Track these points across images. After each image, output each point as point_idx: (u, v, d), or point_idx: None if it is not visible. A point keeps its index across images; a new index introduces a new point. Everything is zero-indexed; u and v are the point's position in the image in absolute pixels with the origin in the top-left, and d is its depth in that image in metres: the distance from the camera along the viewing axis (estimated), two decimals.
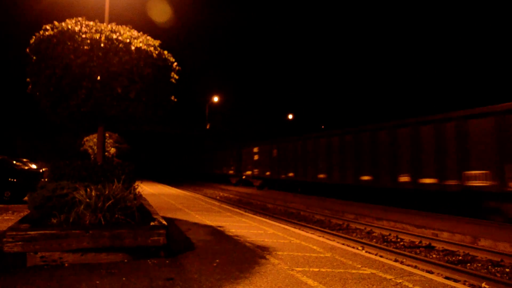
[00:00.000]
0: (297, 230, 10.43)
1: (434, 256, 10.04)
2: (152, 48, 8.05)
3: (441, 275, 7.67)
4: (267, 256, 6.80)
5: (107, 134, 21.55)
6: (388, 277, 5.79)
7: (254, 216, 13.33)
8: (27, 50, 7.97)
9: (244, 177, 36.27)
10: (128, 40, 7.74)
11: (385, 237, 12.25)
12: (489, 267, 8.94)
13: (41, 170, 16.89)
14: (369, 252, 8.60)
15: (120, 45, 7.61)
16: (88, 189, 6.86)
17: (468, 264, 9.17)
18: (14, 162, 17.21)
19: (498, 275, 8.40)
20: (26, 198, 10.73)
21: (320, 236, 10.16)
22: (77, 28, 7.61)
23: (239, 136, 59.42)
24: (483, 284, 7.37)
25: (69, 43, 7.42)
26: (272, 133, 53.43)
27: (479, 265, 9.13)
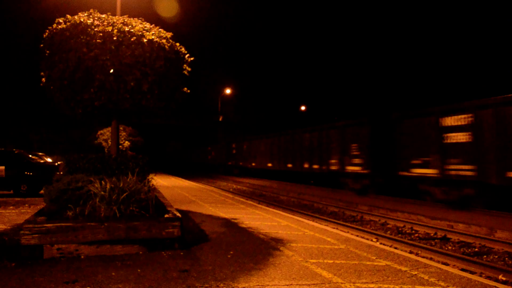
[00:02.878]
0: (310, 222, 10.41)
1: (449, 248, 9.94)
2: (164, 41, 8.04)
3: (457, 267, 7.58)
4: (281, 248, 6.80)
5: (120, 128, 21.69)
6: (403, 269, 5.75)
7: (268, 208, 13.34)
8: (41, 44, 8.02)
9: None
10: (140, 33, 7.73)
11: (400, 229, 12.17)
12: (506, 259, 8.83)
13: (56, 164, 17.08)
14: (384, 244, 8.56)
15: (133, 38, 7.61)
16: (103, 182, 6.91)
17: (485, 256, 9.07)
18: (30, 156, 17.44)
19: None
20: (42, 191, 10.87)
21: (334, 228, 10.12)
22: (89, 21, 7.62)
23: (251, 127, 59.30)
24: (500, 276, 7.26)
25: (81, 37, 7.45)
26: (284, 124, 53.21)
27: (496, 257, 9.01)
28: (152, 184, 7.91)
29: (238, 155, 40.99)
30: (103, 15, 7.96)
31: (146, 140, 31.28)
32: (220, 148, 48.71)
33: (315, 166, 24.56)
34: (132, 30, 7.69)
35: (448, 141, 15.14)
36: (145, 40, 7.68)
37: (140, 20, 8.24)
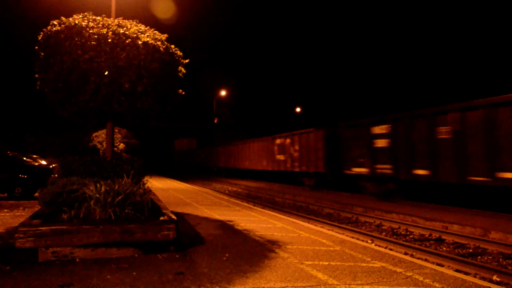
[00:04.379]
0: (306, 224, 10.42)
1: (444, 249, 9.98)
2: (159, 43, 8.04)
3: (452, 268, 7.62)
4: (277, 250, 6.80)
5: (116, 130, 21.66)
6: (398, 270, 5.77)
7: (263, 210, 13.34)
8: (36, 47, 8.00)
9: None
10: (135, 35, 7.74)
11: (395, 230, 12.20)
12: (500, 259, 8.87)
13: (51, 166, 17.01)
14: (379, 245, 8.58)
15: (128, 40, 7.61)
16: (98, 185, 6.89)
17: (479, 257, 9.11)
18: (25, 158, 17.36)
19: (510, 267, 8.32)
20: (36, 194, 10.80)
21: (329, 230, 10.14)
22: (84, 23, 7.62)
23: (247, 129, 59.34)
24: (494, 277, 7.31)
25: (76, 39, 7.44)
26: (279, 126, 53.24)
27: (490, 257, 9.06)
28: (148, 187, 7.89)
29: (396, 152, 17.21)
30: (98, 17, 7.96)
31: (143, 142, 31.20)
32: (321, 138, 22.85)
33: None
34: (127, 32, 7.69)
35: None
36: (140, 42, 7.69)
37: (135, 22, 8.25)
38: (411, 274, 5.58)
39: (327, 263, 6.04)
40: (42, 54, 7.83)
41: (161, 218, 6.81)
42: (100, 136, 24.87)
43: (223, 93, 58.40)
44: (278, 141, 28.52)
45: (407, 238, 11.26)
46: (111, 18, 8.44)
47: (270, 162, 29.77)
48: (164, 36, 8.36)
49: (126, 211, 6.73)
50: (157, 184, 23.92)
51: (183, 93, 9.18)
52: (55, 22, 7.85)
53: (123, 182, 7.12)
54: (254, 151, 33.64)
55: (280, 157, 27.90)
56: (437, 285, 5.11)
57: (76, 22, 7.66)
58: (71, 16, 7.94)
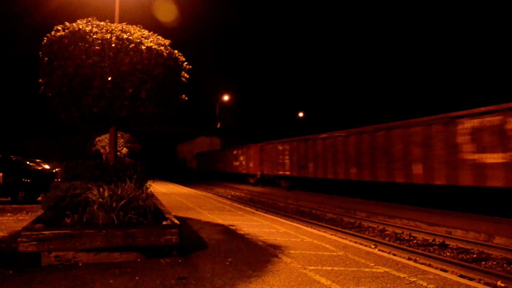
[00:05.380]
0: (309, 229, 10.39)
1: (448, 254, 9.93)
2: (162, 48, 8.07)
3: (456, 273, 7.58)
4: (280, 255, 6.78)
5: (118, 134, 21.67)
6: (402, 275, 5.74)
7: (266, 215, 13.32)
8: (40, 52, 8.03)
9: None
10: (138, 40, 7.76)
11: (398, 235, 12.16)
12: (505, 265, 8.82)
13: (54, 170, 17.04)
14: (382, 251, 8.55)
15: (131, 45, 7.64)
16: (101, 189, 6.90)
17: (483, 262, 9.06)
18: (28, 162, 17.40)
19: None
20: (40, 198, 10.81)
21: (332, 235, 10.11)
22: (88, 29, 7.65)
23: (249, 134, 59.28)
24: (499, 283, 7.26)
25: (80, 44, 7.47)
26: (282, 131, 53.21)
27: (494, 263, 9.01)
28: (150, 191, 7.91)
29: None
30: (102, 23, 7.99)
31: (146, 146, 31.17)
32: None
33: None
34: (130, 37, 7.72)
35: None
36: (143, 47, 7.71)
37: (138, 27, 8.28)
38: (414, 279, 5.55)
39: (330, 268, 6.02)
40: (46, 59, 7.86)
41: (164, 222, 6.80)
42: (103, 141, 24.89)
43: (226, 97, 58.38)
44: (470, 123, 13.81)
45: (411, 243, 11.21)
46: (115, 23, 8.47)
47: (443, 168, 15.06)
48: (167, 41, 8.39)
49: (129, 215, 6.73)
50: (160, 189, 23.93)
51: (186, 98, 9.20)
52: (59, 27, 7.89)
53: (126, 187, 7.13)
54: (374, 147, 18.88)
55: (487, 157, 13.33)
56: None
57: (80, 27, 7.70)
58: (75, 21, 7.98)
